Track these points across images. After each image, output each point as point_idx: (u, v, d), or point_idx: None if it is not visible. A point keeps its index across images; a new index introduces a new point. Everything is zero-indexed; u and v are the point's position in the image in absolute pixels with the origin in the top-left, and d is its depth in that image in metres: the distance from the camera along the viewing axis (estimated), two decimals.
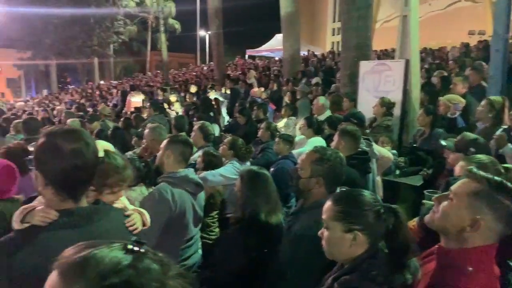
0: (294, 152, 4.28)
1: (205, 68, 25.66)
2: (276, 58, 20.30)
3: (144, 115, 8.10)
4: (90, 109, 11.51)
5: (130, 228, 1.53)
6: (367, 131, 4.97)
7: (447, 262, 1.38)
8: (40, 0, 24.46)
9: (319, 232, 1.63)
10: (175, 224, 2.66)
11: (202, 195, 3.00)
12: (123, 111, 11.02)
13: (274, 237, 2.40)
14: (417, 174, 4.66)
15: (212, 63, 22.45)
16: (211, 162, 3.79)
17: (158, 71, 29.14)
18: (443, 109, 5.17)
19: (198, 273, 2.83)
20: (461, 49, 12.89)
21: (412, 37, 6.11)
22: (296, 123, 5.99)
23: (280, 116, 7.33)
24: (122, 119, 7.60)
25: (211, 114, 7.80)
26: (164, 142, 2.86)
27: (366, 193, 1.62)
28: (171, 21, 32.03)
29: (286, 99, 8.64)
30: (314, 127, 4.75)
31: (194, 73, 23.60)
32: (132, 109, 9.87)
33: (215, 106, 8.67)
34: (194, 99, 10.45)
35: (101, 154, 1.49)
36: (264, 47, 26.55)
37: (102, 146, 1.86)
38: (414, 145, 5.16)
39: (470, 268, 1.31)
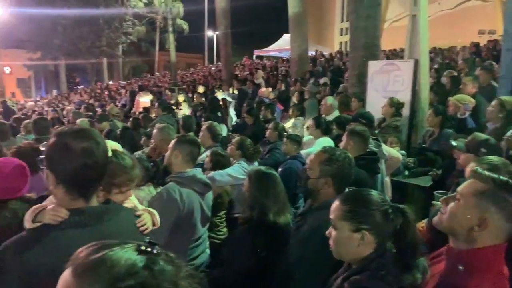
0: (302, 152, 4.27)
1: (212, 68, 25.70)
2: (285, 58, 20.24)
3: (152, 115, 8.15)
4: (99, 109, 11.60)
5: (141, 228, 1.54)
6: (376, 131, 4.95)
7: (457, 262, 1.37)
8: (49, 1, 24.73)
9: (327, 232, 1.63)
10: (183, 224, 2.67)
11: (210, 195, 3.01)
12: (132, 111, 11.09)
13: (283, 237, 2.40)
14: (426, 175, 4.62)
15: (220, 63, 22.49)
16: (219, 162, 3.79)
17: (166, 71, 29.26)
18: (453, 110, 5.12)
19: (206, 273, 2.84)
20: (471, 49, 12.77)
21: (421, 37, 6.06)
22: (303, 123, 5.97)
23: (287, 116, 7.32)
24: (130, 119, 7.65)
25: (219, 114, 7.82)
26: (172, 142, 2.87)
27: (374, 193, 1.61)
28: (179, 21, 32.16)
29: (294, 99, 8.63)
30: (322, 128, 4.73)
31: (202, 74, 23.65)
32: (141, 109, 9.93)
33: (223, 106, 8.69)
34: (202, 99, 10.49)
35: (109, 154, 1.50)
36: (271, 47, 26.51)
37: (111, 146, 1.87)
38: (423, 145, 5.12)
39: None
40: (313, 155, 2.32)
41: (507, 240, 1.33)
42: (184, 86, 16.80)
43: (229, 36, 16.81)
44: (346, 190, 2.13)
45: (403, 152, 4.88)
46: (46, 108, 15.79)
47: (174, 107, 9.28)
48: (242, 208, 2.88)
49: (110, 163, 1.67)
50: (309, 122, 4.94)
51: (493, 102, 4.15)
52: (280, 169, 3.98)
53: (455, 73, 7.66)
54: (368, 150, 3.41)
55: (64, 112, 11.96)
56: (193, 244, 2.84)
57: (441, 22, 20.02)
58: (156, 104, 9.21)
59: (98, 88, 25.88)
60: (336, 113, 5.85)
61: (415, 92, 5.97)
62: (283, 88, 10.88)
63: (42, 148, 1.35)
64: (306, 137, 4.97)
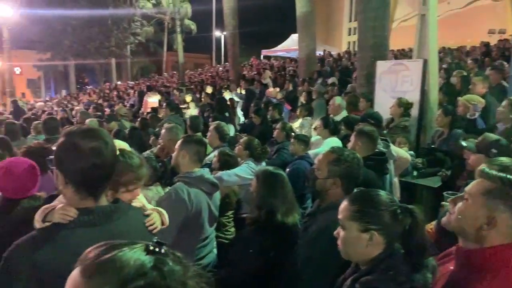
0: (310, 152, 4.26)
1: (220, 68, 25.75)
2: (292, 58, 20.21)
3: (160, 115, 8.18)
4: (107, 110, 11.67)
5: (150, 228, 1.55)
6: (384, 131, 4.91)
7: (466, 262, 1.37)
8: (59, 2, 24.98)
9: (335, 232, 1.63)
10: (191, 224, 2.68)
11: (217, 195, 3.02)
12: (140, 111, 11.15)
13: (291, 237, 2.40)
14: (435, 176, 4.59)
15: (227, 63, 22.52)
16: (226, 162, 3.80)
17: (174, 71, 29.39)
18: (462, 110, 5.07)
19: (214, 273, 2.84)
20: (481, 49, 12.65)
21: (430, 36, 6.01)
22: (311, 123, 5.96)
23: (295, 116, 7.31)
24: (138, 119, 7.69)
25: (226, 114, 7.83)
26: (178, 142, 2.88)
27: (383, 193, 1.61)
28: (187, 22, 32.25)
29: (302, 99, 8.61)
30: (330, 128, 4.72)
31: (210, 74, 23.70)
32: (149, 110, 9.97)
33: (230, 107, 8.69)
34: (209, 99, 10.51)
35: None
36: (279, 47, 26.49)
37: (118, 145, 1.87)
38: (433, 146, 5.08)
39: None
40: (321, 155, 2.31)
41: None
42: (192, 87, 16.86)
43: (237, 36, 16.83)
44: (355, 190, 2.13)
45: (412, 152, 4.84)
46: (55, 108, 15.93)
47: (183, 106, 9.32)
48: (249, 208, 2.88)
49: (117, 162, 1.68)
50: (317, 122, 4.93)
51: (504, 103, 4.11)
52: (287, 170, 3.97)
53: (465, 73, 7.59)
54: (377, 150, 3.38)
55: (73, 112, 12.06)
56: (200, 244, 2.85)
57: (451, 21, 19.84)
58: (164, 104, 9.25)
59: (107, 88, 26.07)
60: (344, 113, 5.82)
61: (424, 92, 5.93)
62: (290, 88, 10.86)
63: (54, 148, 1.36)
64: (314, 137, 4.96)
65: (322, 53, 19.09)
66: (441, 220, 1.52)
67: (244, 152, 4.00)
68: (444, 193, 2.52)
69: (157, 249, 0.74)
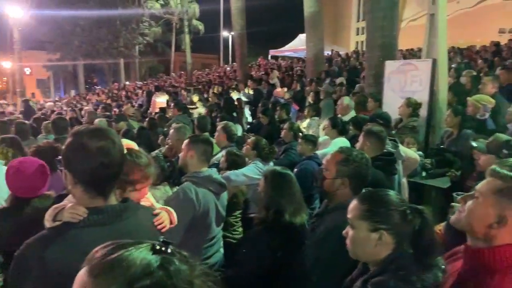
0: (318, 152, 4.25)
1: (228, 68, 25.78)
2: (300, 58, 20.16)
3: (168, 115, 8.21)
4: (116, 109, 11.74)
5: (159, 227, 1.55)
6: (393, 132, 4.88)
7: (475, 261, 1.35)
8: (68, 3, 25.21)
9: (344, 232, 1.62)
10: (198, 223, 2.68)
11: (225, 195, 3.02)
12: (148, 111, 11.20)
13: (298, 237, 2.39)
14: (444, 176, 4.55)
15: (235, 63, 22.54)
16: (234, 162, 3.80)
17: (182, 72, 29.51)
18: (472, 110, 5.02)
19: (221, 272, 2.84)
20: (491, 49, 12.52)
21: (440, 36, 5.96)
22: (319, 123, 5.94)
23: (303, 116, 7.30)
24: (147, 119, 7.73)
25: (234, 114, 7.84)
26: (185, 142, 2.87)
27: (392, 193, 1.61)
28: (195, 22, 32.40)
29: (309, 99, 8.59)
30: (338, 128, 4.70)
31: (217, 74, 23.75)
32: (157, 110, 10.02)
33: (238, 107, 8.70)
34: (217, 99, 10.52)
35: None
36: (287, 47, 26.46)
37: (126, 144, 1.88)
38: (442, 146, 5.04)
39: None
40: (329, 156, 2.31)
41: None
42: (200, 87, 16.90)
43: (245, 37, 16.84)
44: (363, 191, 2.12)
45: (421, 153, 4.81)
46: (65, 108, 16.08)
47: (191, 107, 9.35)
48: (257, 208, 2.88)
49: (125, 161, 1.69)
50: (325, 122, 4.91)
51: None
52: (295, 170, 3.96)
53: (475, 73, 7.52)
54: (385, 150, 3.37)
55: (82, 112, 12.16)
56: (207, 244, 2.86)
57: (460, 20, 19.68)
58: (172, 104, 9.28)
59: (115, 88, 26.25)
60: (352, 113, 5.80)
61: (433, 92, 5.88)
62: (298, 88, 10.84)
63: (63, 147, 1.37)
64: (322, 138, 4.95)
65: (330, 53, 19.02)
66: (450, 219, 1.51)
67: (252, 152, 4.00)
68: (454, 194, 2.50)
69: (163, 249, 0.74)
